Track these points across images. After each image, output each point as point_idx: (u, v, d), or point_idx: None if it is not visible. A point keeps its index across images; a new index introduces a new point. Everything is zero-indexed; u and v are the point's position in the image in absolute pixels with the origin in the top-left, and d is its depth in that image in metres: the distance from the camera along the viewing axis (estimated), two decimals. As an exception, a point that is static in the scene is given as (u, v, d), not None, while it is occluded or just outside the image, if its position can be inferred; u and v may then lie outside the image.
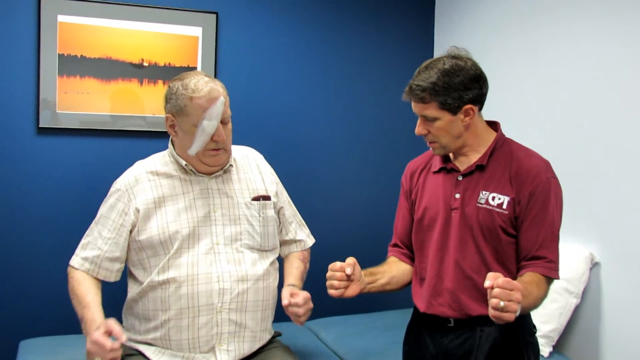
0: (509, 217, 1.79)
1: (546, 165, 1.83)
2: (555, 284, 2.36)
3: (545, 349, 2.34)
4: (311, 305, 1.93)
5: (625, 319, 2.24)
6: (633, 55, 2.22)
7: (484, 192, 1.83)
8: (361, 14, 3.18)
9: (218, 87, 1.95)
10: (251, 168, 2.15)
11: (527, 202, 1.78)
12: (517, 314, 1.54)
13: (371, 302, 3.07)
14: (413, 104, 1.84)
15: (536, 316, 2.38)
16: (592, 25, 2.39)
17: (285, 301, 1.90)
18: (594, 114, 2.38)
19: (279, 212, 2.17)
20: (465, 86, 1.77)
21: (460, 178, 1.88)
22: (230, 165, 2.08)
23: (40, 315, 2.72)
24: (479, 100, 1.82)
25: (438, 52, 3.28)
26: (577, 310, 2.37)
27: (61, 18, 2.65)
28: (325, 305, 3.01)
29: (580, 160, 2.43)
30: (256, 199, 2.07)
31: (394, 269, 2.01)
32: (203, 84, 1.92)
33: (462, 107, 1.79)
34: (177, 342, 1.92)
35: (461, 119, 1.81)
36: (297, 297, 1.90)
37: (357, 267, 1.84)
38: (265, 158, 2.26)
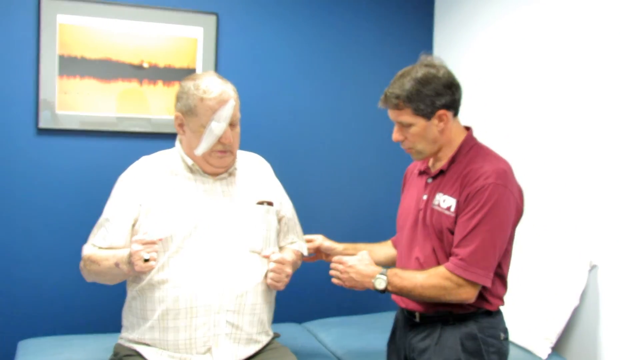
0: (454, 218, 1.86)
1: (496, 172, 1.83)
2: (555, 286, 2.38)
3: (544, 351, 2.35)
4: (288, 270, 2.02)
5: (623, 321, 2.24)
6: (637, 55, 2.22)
7: (439, 195, 1.92)
8: (361, 15, 3.18)
9: (229, 89, 1.97)
10: (257, 174, 2.16)
11: (462, 203, 1.84)
12: (380, 287, 1.87)
13: (370, 303, 3.08)
14: (389, 111, 1.93)
15: (536, 318, 2.39)
16: (594, 23, 2.39)
17: (267, 254, 2.02)
18: (593, 117, 2.38)
19: (280, 220, 2.18)
20: (437, 92, 1.86)
21: (429, 181, 1.98)
22: (235, 168, 2.09)
23: (39, 315, 2.72)
24: (452, 106, 1.91)
25: (438, 52, 3.29)
26: (575, 312, 2.37)
27: (61, 19, 2.65)
28: (323, 306, 3.04)
29: (578, 163, 2.43)
30: (261, 203, 2.08)
31: (379, 251, 2.23)
32: (215, 85, 1.94)
33: (435, 112, 1.87)
34: (174, 342, 1.92)
35: (435, 124, 1.89)
36: (273, 255, 2.01)
37: (325, 244, 2.23)
38: (265, 158, 2.27)
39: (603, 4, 2.34)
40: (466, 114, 3.03)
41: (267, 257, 2.00)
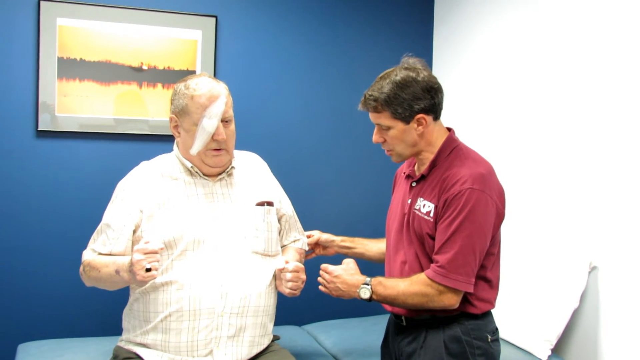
0: (433, 223, 1.87)
1: (472, 177, 1.82)
2: (555, 288, 2.38)
3: (544, 353, 2.35)
4: (303, 277, 2.03)
5: (623, 322, 2.24)
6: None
7: (420, 199, 1.93)
8: (360, 18, 3.19)
9: (219, 86, 1.98)
10: (255, 174, 2.16)
11: (441, 209, 1.85)
12: (366, 297, 1.89)
13: (369, 306, 3.08)
14: (369, 114, 1.95)
15: (535, 319, 2.39)
16: (592, 20, 2.40)
17: (280, 266, 2.00)
18: (594, 118, 2.38)
19: (280, 218, 2.18)
20: (415, 97, 1.85)
21: (413, 184, 1.99)
22: (233, 167, 2.09)
23: (39, 318, 2.71)
24: (432, 110, 1.89)
25: (437, 54, 3.29)
26: (575, 314, 2.37)
27: (60, 21, 2.65)
28: (323, 309, 3.03)
29: (578, 165, 2.43)
30: (261, 204, 2.08)
31: (374, 246, 2.28)
32: (204, 83, 1.95)
33: (413, 116, 1.87)
34: (175, 345, 1.92)
35: (414, 128, 1.89)
36: (289, 264, 2.00)
37: (323, 237, 2.31)
38: (263, 159, 2.27)
39: (594, 15, 2.35)
40: (466, 115, 3.05)
41: (281, 269, 2.00)
